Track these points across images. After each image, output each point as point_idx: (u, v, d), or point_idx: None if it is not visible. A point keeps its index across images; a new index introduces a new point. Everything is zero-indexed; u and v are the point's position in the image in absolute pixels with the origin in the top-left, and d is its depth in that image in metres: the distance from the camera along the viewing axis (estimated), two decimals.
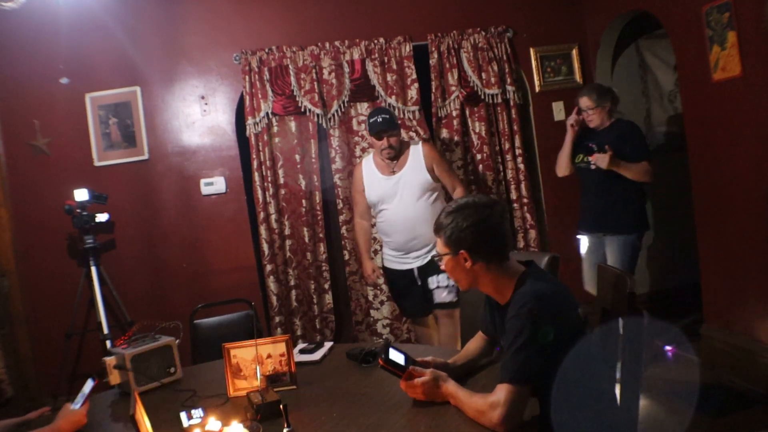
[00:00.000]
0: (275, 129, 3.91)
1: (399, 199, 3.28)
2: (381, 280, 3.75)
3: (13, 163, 3.74)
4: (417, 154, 3.32)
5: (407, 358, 1.81)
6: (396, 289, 3.54)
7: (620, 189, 3.41)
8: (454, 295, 3.29)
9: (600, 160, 3.36)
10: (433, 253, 3.15)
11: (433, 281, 3.32)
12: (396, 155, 3.30)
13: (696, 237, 3.66)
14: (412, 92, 3.97)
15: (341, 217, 4.03)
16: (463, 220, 1.71)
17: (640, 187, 3.44)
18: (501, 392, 1.53)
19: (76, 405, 1.86)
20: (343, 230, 4.03)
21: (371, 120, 3.27)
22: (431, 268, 3.30)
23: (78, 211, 3.54)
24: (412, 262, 3.34)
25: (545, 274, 1.76)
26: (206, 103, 3.95)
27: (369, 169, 3.38)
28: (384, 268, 3.51)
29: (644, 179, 3.38)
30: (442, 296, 3.33)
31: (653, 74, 4.59)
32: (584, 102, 3.50)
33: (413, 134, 3.97)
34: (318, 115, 3.90)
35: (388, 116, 3.27)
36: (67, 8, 3.60)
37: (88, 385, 1.91)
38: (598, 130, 3.51)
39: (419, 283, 3.36)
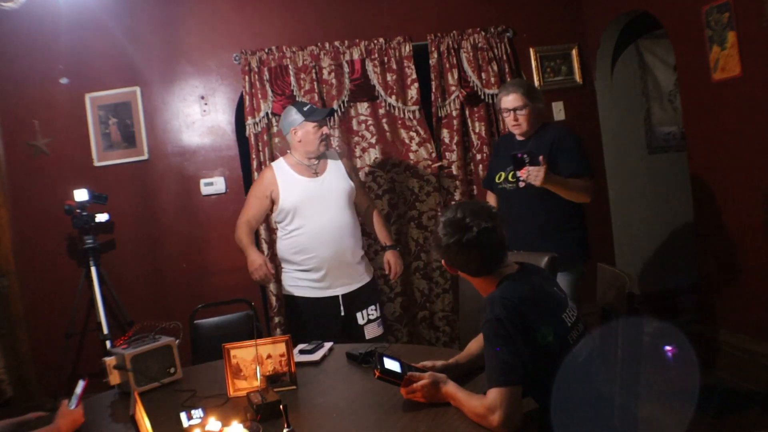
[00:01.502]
0: (275, 129, 3.91)
1: (325, 205, 2.90)
2: (271, 274, 3.01)
3: (13, 163, 3.74)
4: (336, 161, 3.03)
5: (403, 365, 1.81)
6: (305, 319, 2.97)
7: (559, 212, 2.80)
8: (382, 328, 3.06)
9: (532, 175, 2.61)
10: (358, 285, 2.98)
11: (362, 316, 2.98)
12: (323, 152, 2.97)
13: (696, 237, 3.66)
14: (412, 92, 3.97)
15: None
16: (444, 236, 1.75)
17: (580, 207, 2.88)
18: (493, 395, 1.54)
19: (72, 406, 1.86)
20: None
21: (306, 108, 2.91)
22: (358, 299, 2.97)
23: (78, 211, 3.54)
24: (337, 288, 2.94)
25: (529, 277, 1.76)
26: (206, 103, 3.95)
27: (284, 172, 2.96)
28: (294, 298, 2.99)
29: (583, 199, 2.77)
30: (373, 331, 3.00)
31: (653, 74, 4.59)
32: (512, 101, 2.82)
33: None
34: None
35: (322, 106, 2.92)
36: (67, 8, 3.60)
37: (80, 385, 1.92)
38: (522, 140, 2.87)
39: (342, 314, 2.95)
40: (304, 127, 2.91)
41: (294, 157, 3.00)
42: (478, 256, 1.73)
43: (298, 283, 2.98)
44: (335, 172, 3.01)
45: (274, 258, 3.87)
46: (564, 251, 2.53)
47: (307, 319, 2.97)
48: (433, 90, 4.03)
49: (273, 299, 3.89)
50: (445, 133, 4.07)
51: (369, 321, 3.02)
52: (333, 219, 2.91)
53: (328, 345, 2.43)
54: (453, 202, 2.07)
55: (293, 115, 2.93)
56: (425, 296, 4.03)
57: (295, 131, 2.93)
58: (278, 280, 3.88)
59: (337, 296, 2.96)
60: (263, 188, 2.97)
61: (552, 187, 2.65)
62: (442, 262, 1.84)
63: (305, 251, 2.93)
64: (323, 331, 2.83)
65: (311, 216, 2.91)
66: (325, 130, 2.94)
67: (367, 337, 2.99)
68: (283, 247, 3.01)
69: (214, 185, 3.94)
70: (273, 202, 2.98)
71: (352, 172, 3.11)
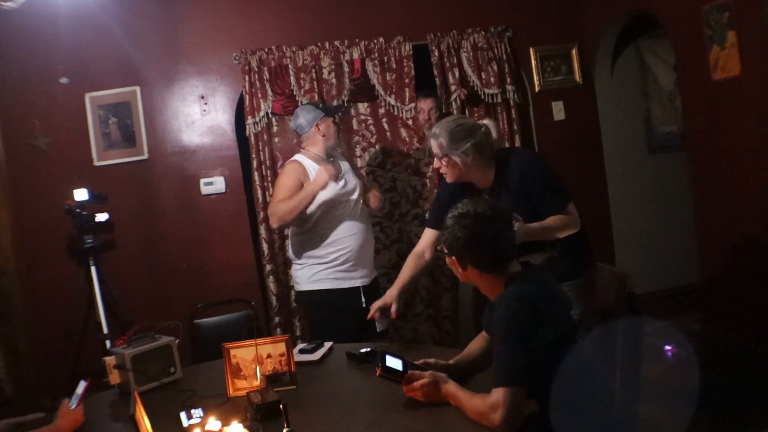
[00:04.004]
0: (275, 128, 3.91)
1: (352, 200, 3.03)
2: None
3: (13, 163, 3.74)
4: (344, 161, 3.19)
5: (404, 363, 1.81)
6: (333, 313, 2.98)
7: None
8: (387, 323, 3.06)
9: None
10: (373, 278, 3.10)
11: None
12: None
13: (696, 237, 3.67)
14: (412, 92, 3.96)
15: None
16: (460, 229, 1.73)
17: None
18: (497, 395, 1.53)
19: (72, 405, 1.86)
20: None
21: (321, 105, 3.11)
22: (373, 291, 3.05)
23: (78, 210, 3.54)
24: (358, 280, 3.03)
25: (537, 276, 1.76)
26: (206, 103, 3.95)
27: (312, 167, 3.01)
28: (316, 293, 3.03)
29: (567, 232, 2.35)
30: (382, 325, 3.00)
31: (653, 74, 4.60)
32: (433, 147, 2.42)
33: None
34: None
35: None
36: (67, 8, 3.59)
37: (81, 386, 1.92)
38: (481, 186, 2.44)
39: (363, 306, 2.97)
40: (325, 122, 3.05)
41: (312, 152, 3.07)
42: (497, 250, 1.72)
43: (320, 276, 3.01)
44: (349, 171, 3.15)
45: (274, 258, 3.87)
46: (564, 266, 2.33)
47: (328, 314, 3.00)
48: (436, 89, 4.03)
49: (273, 299, 3.89)
50: None
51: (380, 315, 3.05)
52: (359, 213, 3.06)
53: (328, 345, 2.43)
54: (469, 198, 1.86)
55: (313, 111, 3.05)
56: (430, 294, 4.03)
57: (319, 126, 3.04)
58: (279, 281, 3.89)
59: (359, 287, 3.03)
60: (296, 178, 2.98)
61: (528, 239, 2.21)
62: (451, 259, 1.79)
63: (336, 243, 2.99)
64: (343, 325, 2.90)
65: (342, 210, 3.01)
66: (336, 128, 3.11)
67: (378, 329, 2.97)
68: (306, 241, 3.03)
69: (214, 185, 3.94)
70: None
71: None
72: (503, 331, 1.59)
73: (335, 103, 3.88)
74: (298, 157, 3.10)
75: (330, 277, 3.01)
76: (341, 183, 3.04)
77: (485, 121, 2.45)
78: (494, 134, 2.42)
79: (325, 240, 3.00)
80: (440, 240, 1.82)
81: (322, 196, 2.96)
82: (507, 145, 4.06)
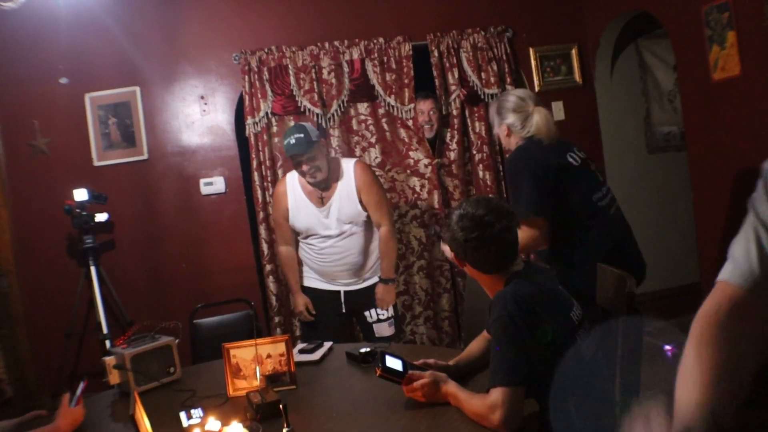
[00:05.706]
0: (275, 129, 3.91)
1: (329, 232, 2.94)
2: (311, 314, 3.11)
3: (13, 163, 3.74)
4: (348, 176, 2.92)
5: (404, 363, 1.81)
6: (316, 311, 3.07)
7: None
8: (394, 328, 3.10)
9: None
10: (364, 285, 3.06)
11: (371, 315, 3.05)
12: (323, 180, 2.86)
13: (696, 237, 3.66)
14: (411, 92, 3.96)
15: None
16: (459, 230, 1.73)
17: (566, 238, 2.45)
18: (496, 395, 1.53)
19: (71, 405, 1.87)
20: None
21: (285, 141, 2.82)
22: (364, 298, 3.04)
23: (77, 210, 3.54)
24: (340, 285, 3.06)
25: (537, 275, 1.76)
26: (206, 103, 3.94)
27: (295, 191, 2.98)
28: (304, 289, 3.13)
29: (530, 247, 2.39)
30: (383, 330, 3.07)
31: (653, 74, 4.59)
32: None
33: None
34: (317, 114, 3.89)
35: (302, 136, 2.74)
36: (67, 8, 3.60)
37: (80, 386, 1.93)
38: None
39: (343, 310, 3.06)
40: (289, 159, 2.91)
41: None
42: (495, 254, 1.72)
43: (308, 274, 3.14)
44: (344, 196, 2.92)
45: (274, 258, 3.87)
46: None
47: (315, 312, 3.08)
48: (435, 89, 4.03)
49: (273, 299, 3.89)
50: (445, 132, 4.07)
51: (379, 320, 3.07)
52: (336, 245, 2.98)
53: (327, 345, 2.43)
54: (474, 197, 1.90)
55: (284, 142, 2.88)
56: (428, 295, 4.03)
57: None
58: (279, 281, 3.90)
59: (339, 291, 3.07)
60: (282, 208, 3.03)
61: None
62: (452, 255, 1.82)
63: (311, 261, 3.08)
64: (324, 323, 3.04)
65: (316, 238, 3.00)
66: (304, 167, 2.80)
67: (377, 335, 3.05)
68: (300, 246, 3.13)
69: (213, 185, 3.94)
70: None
71: (366, 186, 2.93)
72: (500, 331, 1.59)
73: (335, 103, 3.88)
74: (291, 176, 3.03)
75: (314, 276, 3.11)
76: (322, 214, 2.94)
77: (538, 108, 2.53)
78: (533, 122, 2.54)
79: (309, 252, 3.07)
80: (441, 233, 1.84)
81: (298, 224, 3.00)
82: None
